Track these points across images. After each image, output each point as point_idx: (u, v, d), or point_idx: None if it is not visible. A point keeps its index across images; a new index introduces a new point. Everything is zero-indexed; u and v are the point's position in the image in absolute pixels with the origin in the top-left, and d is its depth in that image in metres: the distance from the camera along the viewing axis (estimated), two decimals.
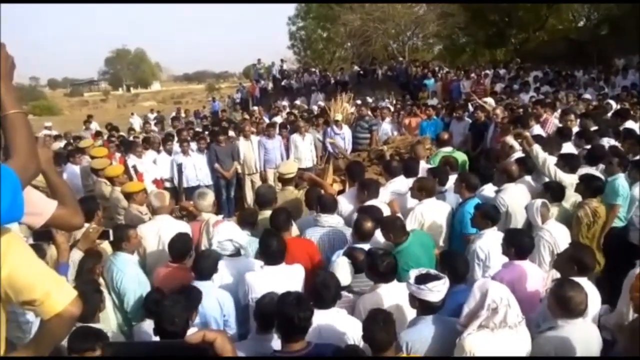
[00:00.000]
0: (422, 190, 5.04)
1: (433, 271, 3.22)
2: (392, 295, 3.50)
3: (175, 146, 9.46)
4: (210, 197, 5.34)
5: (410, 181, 5.48)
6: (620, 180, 5.33)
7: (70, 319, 1.68)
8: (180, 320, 2.92)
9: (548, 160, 5.39)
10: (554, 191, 4.99)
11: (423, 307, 3.12)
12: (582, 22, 28.95)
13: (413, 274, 3.13)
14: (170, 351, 0.84)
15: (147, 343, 1.47)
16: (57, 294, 1.64)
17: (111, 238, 4.06)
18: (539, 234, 4.46)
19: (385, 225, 4.29)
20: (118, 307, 4.04)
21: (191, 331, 2.92)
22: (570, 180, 5.26)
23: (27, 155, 1.64)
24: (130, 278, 4.07)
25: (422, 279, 3.06)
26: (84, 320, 3.15)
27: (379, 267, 3.56)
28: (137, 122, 17.32)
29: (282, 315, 2.77)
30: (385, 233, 4.28)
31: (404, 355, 2.84)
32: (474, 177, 5.27)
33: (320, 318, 3.19)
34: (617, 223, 5.30)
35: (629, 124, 8.18)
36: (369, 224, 4.22)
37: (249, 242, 4.27)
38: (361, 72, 22.62)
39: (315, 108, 15.10)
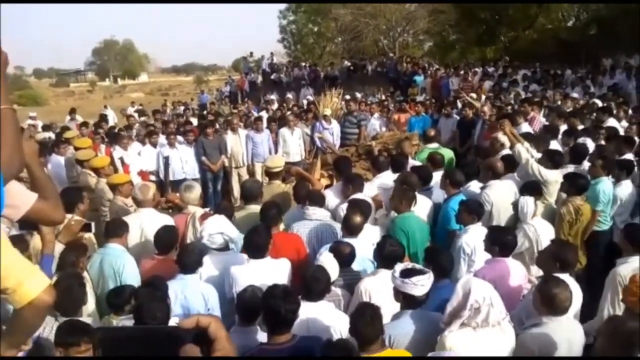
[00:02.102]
0: (402, 184, 5.07)
1: (418, 266, 3.24)
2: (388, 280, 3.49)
3: (161, 138, 9.39)
4: (197, 190, 5.31)
5: (397, 176, 5.50)
6: (602, 184, 5.31)
7: (43, 307, 1.68)
8: (162, 314, 2.90)
9: (531, 160, 5.42)
10: (531, 189, 5.01)
11: (407, 301, 3.14)
12: (572, 21, 29.24)
13: (398, 267, 3.15)
14: (164, 335, 0.84)
15: (141, 328, 1.45)
16: (30, 283, 1.64)
17: (93, 230, 4.01)
18: (523, 227, 4.49)
19: (398, 193, 4.67)
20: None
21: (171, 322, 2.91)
22: (554, 177, 5.30)
23: (12, 150, 1.64)
24: (130, 265, 4.09)
25: (407, 273, 3.07)
26: (67, 314, 3.13)
27: (383, 251, 3.66)
28: (110, 115, 16.94)
29: (268, 307, 2.78)
30: (397, 200, 4.64)
31: (388, 349, 2.84)
32: (459, 174, 5.30)
33: (309, 311, 3.20)
34: (601, 226, 5.35)
35: (611, 121, 8.28)
36: (358, 219, 4.24)
37: (239, 236, 4.24)
38: (351, 67, 22.66)
39: (304, 102, 15.08)
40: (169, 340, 0.81)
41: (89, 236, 4.35)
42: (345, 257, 3.81)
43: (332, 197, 5.25)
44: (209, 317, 0.84)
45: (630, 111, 9.55)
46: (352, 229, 4.22)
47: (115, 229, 4.21)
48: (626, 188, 5.51)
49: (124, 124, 12.69)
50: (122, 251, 4.21)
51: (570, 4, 27.58)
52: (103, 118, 13.68)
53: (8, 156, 1.61)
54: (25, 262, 1.73)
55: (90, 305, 3.57)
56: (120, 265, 4.05)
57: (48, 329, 2.91)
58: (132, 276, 4.06)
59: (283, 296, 2.78)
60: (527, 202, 4.62)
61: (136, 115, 14.96)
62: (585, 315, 3.69)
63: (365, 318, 2.80)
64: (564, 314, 3.05)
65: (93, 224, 3.98)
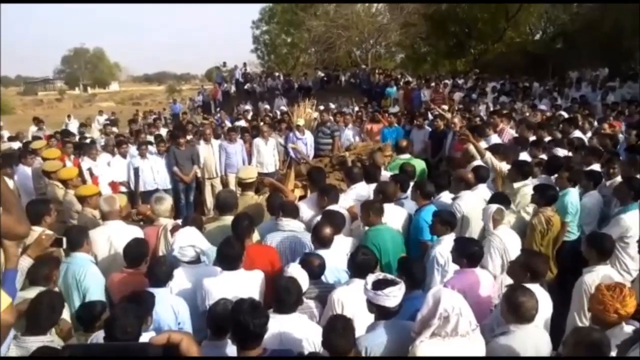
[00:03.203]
0: (379, 194, 5.10)
1: (390, 276, 3.25)
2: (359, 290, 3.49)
3: (132, 149, 9.24)
4: (167, 202, 5.23)
5: (371, 187, 5.53)
6: (569, 196, 5.46)
7: (3, 326, 1.62)
8: (133, 329, 2.83)
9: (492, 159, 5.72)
10: (499, 199, 5.07)
11: (380, 312, 3.14)
12: (539, 35, 30.10)
13: (370, 279, 3.15)
14: (135, 352, 0.82)
15: (111, 345, 1.42)
16: None
17: (64, 246, 3.91)
18: (489, 238, 4.56)
19: (365, 206, 4.69)
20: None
21: (145, 337, 2.85)
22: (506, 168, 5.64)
23: None
24: (92, 274, 4.05)
25: (379, 285, 3.08)
26: (42, 330, 3.04)
27: (355, 260, 3.68)
28: (73, 126, 16.52)
29: (237, 322, 2.74)
30: (365, 212, 4.65)
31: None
32: (429, 185, 5.35)
33: (282, 323, 3.19)
34: (570, 236, 5.47)
35: (577, 133, 8.52)
36: (327, 230, 4.24)
37: (210, 248, 4.19)
38: (325, 77, 22.77)
39: (278, 113, 15.07)
40: (140, 358, 0.80)
41: (58, 251, 4.24)
42: (315, 269, 3.81)
43: (306, 209, 5.24)
44: (180, 334, 0.83)
45: (595, 123, 9.83)
46: (322, 241, 4.21)
47: (75, 240, 4.10)
48: (593, 198, 5.66)
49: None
50: (86, 260, 4.15)
51: (537, 18, 28.43)
52: (65, 131, 13.12)
53: None
54: None
55: (66, 319, 3.48)
56: (82, 274, 3.99)
57: (4, 348, 2.79)
58: (94, 285, 4.00)
59: (251, 311, 2.75)
60: (490, 209, 4.68)
61: (102, 126, 14.67)
62: (556, 324, 3.75)
63: (338, 330, 2.79)
64: (530, 322, 3.11)
65: (65, 239, 3.88)
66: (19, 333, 3.00)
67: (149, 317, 3.25)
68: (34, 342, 2.94)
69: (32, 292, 3.30)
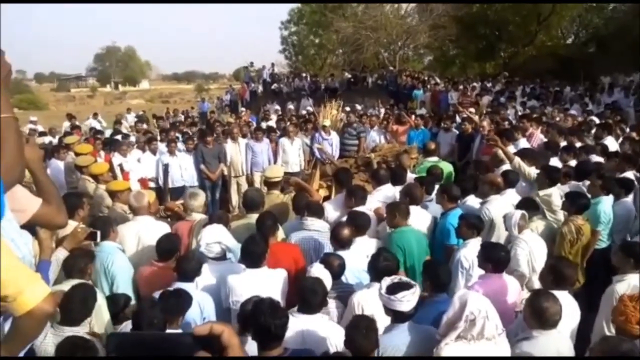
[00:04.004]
0: (407, 197, 5.08)
1: (405, 279, 3.25)
2: None
3: (161, 146, 9.40)
4: (201, 198, 5.35)
5: (397, 189, 5.51)
6: (602, 205, 5.33)
7: (42, 316, 1.67)
8: (159, 322, 2.90)
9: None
10: (526, 205, 5.01)
11: (395, 316, 3.15)
12: (571, 39, 29.50)
13: (384, 283, 3.15)
14: (177, 342, 0.84)
15: (153, 334, 1.46)
16: (30, 291, 1.63)
17: (99, 239, 4.02)
18: (514, 242, 4.50)
19: (391, 207, 4.68)
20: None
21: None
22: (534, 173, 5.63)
23: (13, 159, 1.67)
24: (120, 260, 4.16)
25: (393, 289, 3.07)
26: (76, 322, 3.13)
27: (377, 265, 3.67)
28: (96, 125, 16.64)
29: (257, 323, 2.76)
30: (391, 214, 4.64)
31: None
32: (456, 189, 5.31)
33: (305, 323, 3.20)
34: (600, 244, 5.35)
35: (609, 140, 8.33)
36: (345, 232, 4.24)
37: (236, 246, 4.24)
38: (351, 79, 22.76)
39: (304, 113, 15.13)
40: (181, 348, 0.81)
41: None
42: (335, 269, 3.81)
43: (331, 210, 5.26)
44: (222, 325, 0.84)
45: (627, 129, 9.60)
46: (340, 242, 4.22)
47: (101, 230, 4.13)
48: (625, 206, 5.54)
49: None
50: (113, 248, 4.25)
51: (569, 21, 27.86)
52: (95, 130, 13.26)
53: (9, 165, 1.64)
54: (27, 270, 1.73)
55: (105, 315, 3.54)
56: (110, 261, 4.10)
57: (42, 337, 2.89)
58: (121, 272, 4.11)
59: (271, 312, 2.76)
60: (514, 216, 4.62)
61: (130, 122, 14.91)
62: (581, 333, 3.69)
63: (361, 330, 2.80)
64: (553, 327, 3.07)
65: (99, 233, 3.99)
66: (55, 322, 3.10)
67: (180, 318, 3.31)
68: (69, 332, 3.02)
69: (67, 285, 3.38)
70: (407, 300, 3.03)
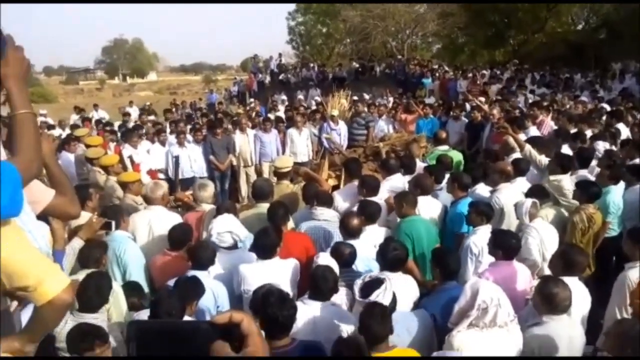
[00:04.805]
0: (417, 188, 5.07)
1: (374, 274, 3.31)
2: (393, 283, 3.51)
3: (170, 137, 9.43)
4: (210, 189, 5.39)
5: (407, 178, 5.51)
6: (611, 195, 5.29)
7: (62, 306, 1.71)
8: (177, 312, 2.94)
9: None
10: (536, 193, 4.99)
11: None
12: (581, 25, 29.10)
13: (357, 288, 3.17)
14: (196, 330, 0.84)
15: (173, 322, 1.48)
16: (50, 282, 1.67)
17: (113, 229, 4.08)
18: (525, 231, 4.49)
19: (399, 197, 4.68)
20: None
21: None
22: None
23: (31, 154, 1.70)
24: (132, 249, 4.24)
25: (366, 290, 3.10)
26: (94, 309, 3.19)
27: (386, 255, 3.68)
28: (100, 116, 16.62)
29: (265, 314, 2.79)
30: (398, 203, 4.65)
31: (396, 349, 2.85)
32: (466, 177, 5.31)
33: (316, 310, 3.24)
34: (610, 232, 5.31)
35: (621, 126, 8.24)
36: (355, 221, 4.26)
37: (247, 236, 4.27)
38: (359, 68, 22.66)
39: (312, 103, 15.10)
40: (200, 335, 0.82)
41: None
42: (345, 257, 3.84)
43: (340, 201, 5.27)
44: (241, 314, 0.84)
45: (639, 116, 9.49)
46: (349, 231, 4.24)
47: (110, 217, 4.19)
48: (635, 193, 5.48)
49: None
50: (124, 237, 4.31)
51: (580, 7, 27.47)
52: (98, 121, 13.25)
53: (27, 160, 1.68)
54: (46, 261, 1.76)
55: (122, 303, 3.60)
56: (122, 250, 4.16)
57: (62, 323, 2.94)
58: (133, 260, 4.18)
59: (279, 303, 2.80)
60: (526, 204, 4.61)
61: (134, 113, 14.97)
62: (591, 320, 3.68)
63: (376, 316, 2.81)
64: (563, 313, 3.07)
65: (114, 223, 4.05)
66: (75, 309, 3.16)
67: (194, 303, 3.35)
68: (88, 319, 3.09)
69: (83, 275, 3.44)
70: (382, 298, 3.04)
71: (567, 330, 3.07)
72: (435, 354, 2.78)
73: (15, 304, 1.97)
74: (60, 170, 2.18)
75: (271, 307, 2.78)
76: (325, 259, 3.69)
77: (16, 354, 1.76)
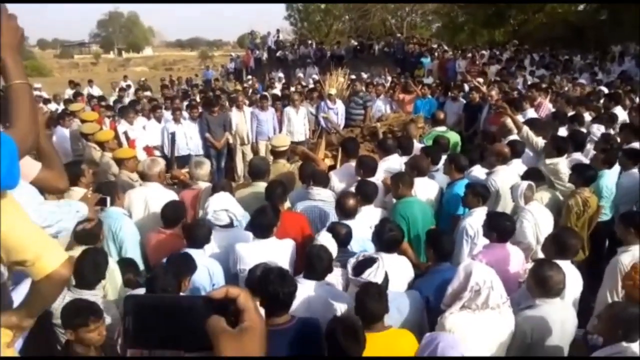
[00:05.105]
0: (414, 169, 5.07)
1: (368, 254, 3.34)
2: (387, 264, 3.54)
3: (166, 114, 9.36)
4: (207, 166, 5.38)
5: (404, 159, 5.50)
6: (604, 179, 5.30)
7: (60, 280, 1.72)
8: (173, 289, 2.95)
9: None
10: (532, 175, 5.00)
11: None
12: (582, 5, 28.77)
13: (350, 266, 3.22)
14: (193, 304, 0.85)
15: (169, 296, 1.49)
16: (48, 256, 1.67)
17: (108, 205, 4.05)
18: (520, 214, 4.51)
19: (395, 178, 4.69)
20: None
21: None
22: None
23: (28, 125, 1.68)
24: (127, 226, 4.24)
25: (359, 268, 3.15)
26: (91, 285, 3.20)
27: (382, 236, 3.70)
28: (95, 92, 16.36)
29: (266, 292, 2.80)
30: (394, 184, 4.66)
31: (392, 328, 2.88)
32: (464, 159, 5.30)
33: (311, 289, 3.25)
34: (602, 217, 5.34)
35: (618, 109, 8.22)
36: (350, 202, 4.25)
37: (243, 215, 4.27)
38: (358, 46, 22.42)
39: (310, 81, 14.97)
40: (197, 310, 0.82)
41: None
42: (342, 237, 3.84)
43: (336, 181, 5.26)
44: (238, 288, 0.84)
45: (637, 99, 9.46)
46: (345, 211, 4.23)
47: (104, 192, 4.15)
48: (631, 177, 5.50)
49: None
50: (120, 214, 4.30)
51: None
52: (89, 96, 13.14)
53: (24, 132, 1.65)
54: (44, 236, 1.76)
55: (118, 279, 3.62)
56: (118, 227, 4.17)
57: (60, 299, 2.95)
58: (129, 237, 4.18)
59: (280, 280, 2.81)
60: (521, 187, 4.62)
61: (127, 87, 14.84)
62: (583, 304, 3.73)
63: (372, 295, 2.83)
64: (557, 296, 3.10)
65: (109, 199, 4.02)
66: (72, 285, 3.17)
67: (188, 279, 3.36)
68: (86, 295, 3.11)
69: (78, 251, 3.43)
70: (374, 276, 3.07)
71: (560, 313, 3.10)
72: (427, 335, 2.81)
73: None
74: (49, 144, 2.16)
75: (272, 285, 2.78)
76: (325, 237, 3.70)
77: (14, 328, 1.77)
